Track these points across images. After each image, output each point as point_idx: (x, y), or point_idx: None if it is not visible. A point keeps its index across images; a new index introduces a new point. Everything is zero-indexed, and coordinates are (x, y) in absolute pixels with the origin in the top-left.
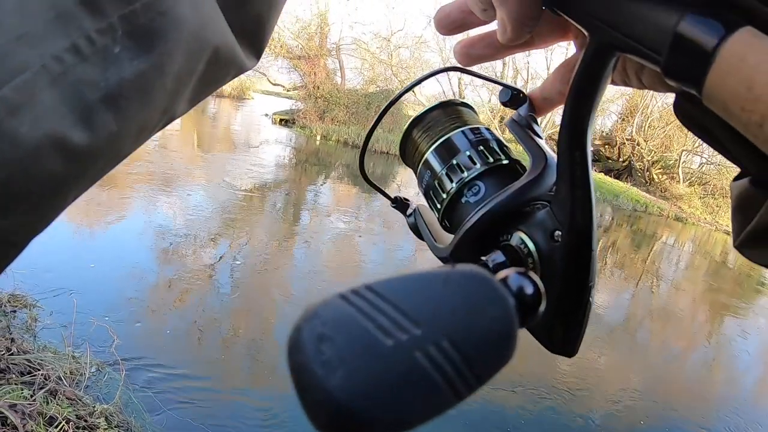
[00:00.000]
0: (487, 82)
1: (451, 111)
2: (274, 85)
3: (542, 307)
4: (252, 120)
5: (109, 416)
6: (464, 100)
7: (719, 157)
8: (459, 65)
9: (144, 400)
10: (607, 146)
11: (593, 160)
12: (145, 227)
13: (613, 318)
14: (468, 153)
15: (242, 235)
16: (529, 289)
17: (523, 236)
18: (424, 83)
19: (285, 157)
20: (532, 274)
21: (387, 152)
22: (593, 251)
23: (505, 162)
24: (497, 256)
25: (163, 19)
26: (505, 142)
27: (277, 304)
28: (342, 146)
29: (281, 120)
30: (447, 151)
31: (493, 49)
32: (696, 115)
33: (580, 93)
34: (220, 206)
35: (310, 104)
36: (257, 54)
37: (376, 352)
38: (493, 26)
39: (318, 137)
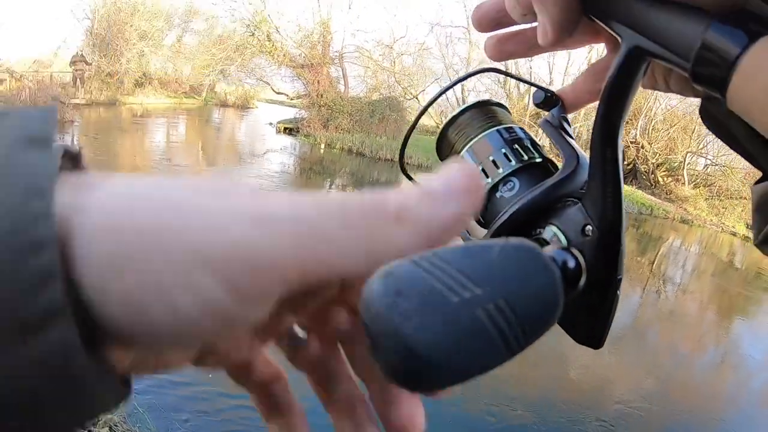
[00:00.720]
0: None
1: (486, 111)
2: (278, 93)
3: (583, 281)
4: (256, 129)
5: (113, 426)
6: (498, 101)
7: (724, 158)
8: (493, 66)
9: (149, 409)
10: None
11: None
12: None
13: (621, 321)
14: (503, 151)
15: None
16: (571, 263)
17: (555, 230)
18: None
19: (290, 166)
20: (574, 250)
21: (391, 159)
22: (622, 245)
23: (539, 160)
24: None
25: None
26: (537, 142)
27: None
28: (346, 154)
29: (285, 128)
30: (482, 149)
31: (525, 47)
32: (721, 120)
33: (613, 95)
34: None
35: (313, 112)
36: None
37: (445, 308)
38: (526, 24)
39: (322, 145)
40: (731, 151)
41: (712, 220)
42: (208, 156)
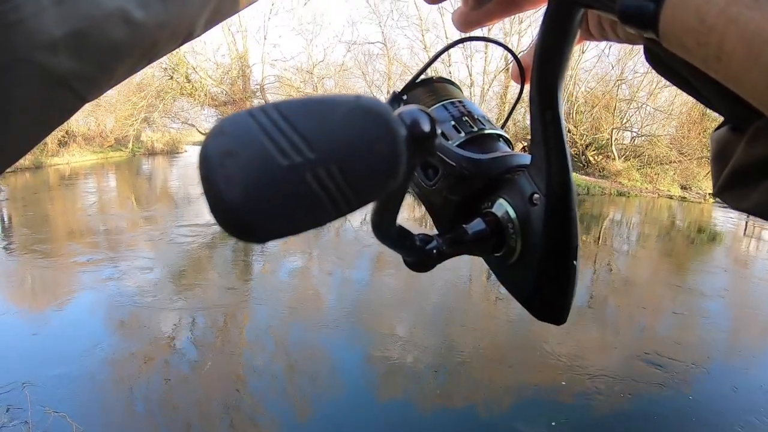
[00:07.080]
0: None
1: (429, 89)
2: (204, 134)
3: (438, 140)
4: (188, 173)
5: None
6: (446, 77)
7: (648, 128)
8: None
9: None
10: None
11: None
12: (96, 302)
13: (578, 300)
14: (452, 123)
15: (197, 293)
16: (425, 126)
17: (503, 202)
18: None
19: None
20: (428, 110)
21: None
22: (573, 211)
23: (489, 132)
24: (477, 224)
25: None
26: (487, 115)
27: (244, 358)
28: None
29: None
30: None
31: (484, 15)
32: (666, 59)
33: (547, 51)
34: (169, 267)
35: None
36: None
37: (272, 171)
38: None
39: None
40: (655, 120)
41: (647, 188)
42: (142, 206)
